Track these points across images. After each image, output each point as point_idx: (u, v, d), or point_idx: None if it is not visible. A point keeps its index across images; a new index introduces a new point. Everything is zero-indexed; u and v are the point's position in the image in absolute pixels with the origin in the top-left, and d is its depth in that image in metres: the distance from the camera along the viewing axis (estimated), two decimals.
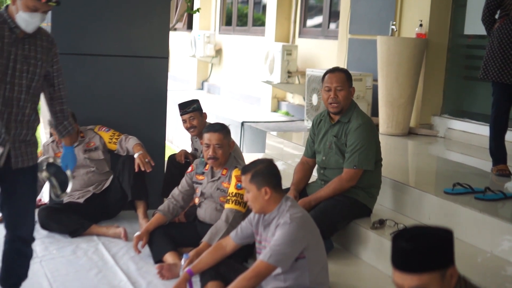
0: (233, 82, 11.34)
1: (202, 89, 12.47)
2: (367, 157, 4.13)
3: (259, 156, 6.72)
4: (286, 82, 8.92)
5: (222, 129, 4.18)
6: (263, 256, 3.20)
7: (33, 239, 3.37)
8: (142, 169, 4.70)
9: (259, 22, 11.00)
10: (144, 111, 5.30)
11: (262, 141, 7.42)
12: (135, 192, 4.80)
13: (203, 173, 4.29)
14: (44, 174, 3.74)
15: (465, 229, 3.93)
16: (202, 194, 4.25)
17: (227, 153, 4.20)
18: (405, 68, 6.48)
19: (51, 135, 4.97)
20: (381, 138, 4.38)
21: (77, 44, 5.05)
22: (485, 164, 5.13)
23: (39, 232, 4.50)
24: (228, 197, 4.04)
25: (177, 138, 9.95)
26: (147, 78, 5.29)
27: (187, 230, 4.33)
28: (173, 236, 4.22)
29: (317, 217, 3.72)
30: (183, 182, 4.37)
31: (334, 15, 8.90)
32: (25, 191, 3.26)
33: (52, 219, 4.62)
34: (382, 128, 6.61)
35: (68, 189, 3.70)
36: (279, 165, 5.19)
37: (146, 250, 4.23)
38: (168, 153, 5.44)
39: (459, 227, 3.90)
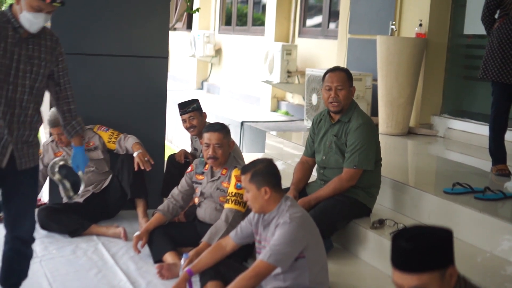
0: (232, 82, 11.34)
1: (201, 89, 12.47)
2: (367, 157, 4.13)
3: (259, 156, 6.73)
4: (285, 82, 8.92)
5: (222, 129, 4.18)
6: (262, 255, 3.20)
7: (33, 240, 3.36)
8: (142, 167, 4.70)
9: (259, 22, 11.00)
10: (143, 110, 5.30)
11: (261, 141, 7.42)
12: (134, 191, 4.80)
13: (202, 173, 4.29)
14: (56, 177, 3.71)
15: (465, 229, 3.93)
16: (201, 194, 4.25)
17: (227, 152, 4.20)
18: (405, 67, 6.48)
19: (50, 134, 4.97)
20: (380, 137, 4.38)
21: (77, 44, 5.05)
22: (485, 163, 5.13)
23: (39, 232, 4.50)
24: (228, 197, 4.04)
25: (177, 138, 9.94)
26: (146, 78, 5.29)
27: (187, 230, 4.33)
28: (173, 236, 4.22)
29: (317, 217, 3.72)
30: (183, 182, 4.37)
31: (333, 15, 8.90)
32: (26, 192, 3.25)
33: (51, 219, 4.62)
34: (381, 128, 6.61)
35: (81, 190, 3.68)
36: (279, 164, 5.19)
37: (146, 250, 4.23)
38: (167, 153, 5.44)
39: (459, 227, 3.89)
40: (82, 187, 3.68)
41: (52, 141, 4.94)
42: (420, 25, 6.60)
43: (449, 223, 3.79)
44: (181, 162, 5.05)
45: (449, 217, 4.08)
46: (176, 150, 5.55)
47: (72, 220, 4.64)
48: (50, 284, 3.82)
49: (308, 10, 9.64)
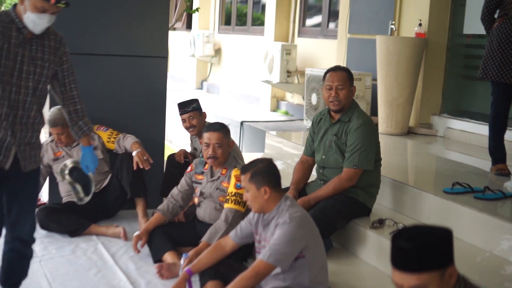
0: (232, 81, 11.34)
1: (201, 88, 12.47)
2: (367, 157, 4.13)
3: (259, 155, 6.73)
4: (285, 82, 8.92)
5: (221, 129, 4.18)
6: (262, 255, 3.20)
7: (33, 240, 3.36)
8: (141, 166, 4.69)
9: (258, 21, 11.00)
10: (143, 110, 5.30)
11: (261, 140, 7.42)
12: (134, 190, 4.80)
13: (202, 173, 4.29)
14: (67, 180, 3.66)
15: (464, 228, 3.93)
16: (201, 193, 4.25)
17: (226, 152, 4.20)
18: (404, 67, 6.48)
19: (50, 134, 4.97)
20: (380, 137, 4.38)
21: (76, 44, 5.04)
22: (484, 163, 5.13)
23: (38, 232, 4.49)
24: (228, 197, 4.04)
25: (176, 138, 9.94)
26: (146, 77, 5.29)
27: (187, 229, 4.33)
28: (173, 235, 4.22)
29: (317, 216, 3.73)
30: (183, 181, 4.37)
31: (333, 15, 8.90)
32: (28, 193, 3.24)
33: (51, 219, 4.62)
34: (381, 128, 6.61)
35: (92, 192, 3.63)
36: (279, 164, 5.18)
37: (146, 249, 4.23)
38: (167, 153, 5.44)
39: (458, 227, 3.90)
40: (93, 188, 3.63)
41: (52, 141, 4.94)
42: (420, 24, 6.60)
43: (448, 223, 3.79)
44: (180, 162, 5.05)
45: (449, 217, 4.08)
46: (176, 150, 5.55)
47: (71, 220, 4.64)
48: (50, 284, 3.82)
49: (308, 10, 9.64)
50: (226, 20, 12.14)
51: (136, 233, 4.25)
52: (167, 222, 4.31)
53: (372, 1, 7.40)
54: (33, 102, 3.13)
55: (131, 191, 4.79)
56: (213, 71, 12.25)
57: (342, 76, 4.22)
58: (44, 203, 5.09)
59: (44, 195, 5.24)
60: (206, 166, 4.28)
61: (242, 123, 8.38)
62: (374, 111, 6.89)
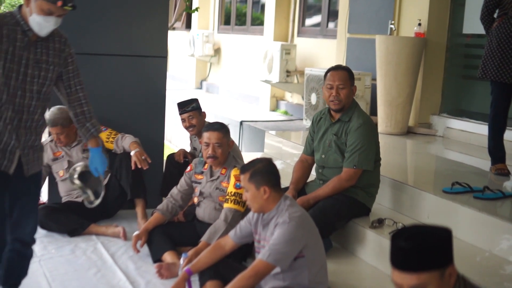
0: (231, 81, 11.34)
1: (200, 88, 12.47)
2: (367, 157, 4.13)
3: (258, 155, 6.73)
4: (284, 82, 8.92)
5: (221, 128, 4.18)
6: (262, 255, 3.20)
7: (34, 241, 3.34)
8: (139, 166, 4.69)
9: (258, 21, 11.00)
10: (143, 110, 5.29)
11: (261, 140, 7.42)
12: (134, 191, 4.80)
13: (202, 173, 4.29)
14: (77, 185, 3.59)
15: (464, 228, 3.94)
16: (201, 193, 4.25)
17: (226, 152, 4.20)
18: (404, 67, 6.48)
19: (49, 134, 4.97)
20: (380, 137, 4.38)
21: (75, 43, 4.96)
22: (484, 163, 5.13)
23: (38, 232, 4.44)
24: (227, 197, 4.04)
25: (176, 138, 9.94)
26: (145, 77, 5.28)
27: (186, 229, 4.33)
28: (172, 235, 4.22)
29: (316, 216, 3.73)
30: (182, 181, 4.36)
31: (332, 14, 8.90)
32: (29, 196, 3.22)
33: (51, 219, 4.61)
34: (381, 127, 6.60)
35: (102, 194, 3.56)
36: (278, 164, 5.19)
37: (145, 249, 4.23)
38: (167, 153, 5.44)
39: (458, 226, 3.90)
40: (103, 191, 3.57)
41: (51, 140, 4.93)
42: (419, 24, 6.60)
43: (448, 223, 3.79)
44: (180, 162, 5.05)
45: (448, 217, 4.08)
46: (175, 150, 5.55)
47: (71, 220, 4.64)
48: (49, 283, 3.82)
49: (307, 10, 9.64)
50: (225, 19, 12.14)
51: (136, 232, 4.24)
52: (167, 222, 4.31)
53: (372, 1, 7.41)
54: (37, 106, 3.10)
55: (131, 192, 4.79)
56: (213, 71, 12.25)
57: (343, 75, 4.21)
58: (44, 203, 5.08)
59: (43, 195, 5.24)
60: (206, 166, 4.28)
61: (241, 122, 8.38)
62: (373, 110, 6.89)
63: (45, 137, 5.04)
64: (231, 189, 4.05)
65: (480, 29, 5.06)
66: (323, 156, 4.31)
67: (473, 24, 6.15)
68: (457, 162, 5.65)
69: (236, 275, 3.21)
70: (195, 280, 3.56)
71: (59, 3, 2.96)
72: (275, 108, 9.77)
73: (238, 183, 3.95)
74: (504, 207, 4.11)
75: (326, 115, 4.35)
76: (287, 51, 8.85)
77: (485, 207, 3.98)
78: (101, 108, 5.14)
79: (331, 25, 8.94)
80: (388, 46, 6.52)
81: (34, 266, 3.89)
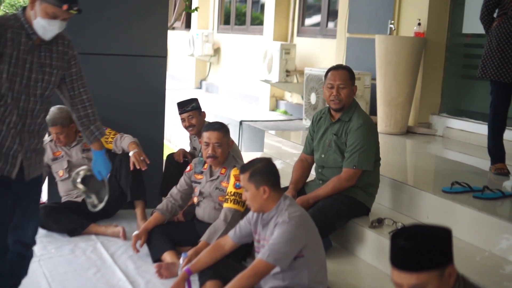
0: (231, 81, 11.34)
1: (200, 88, 12.47)
2: (367, 157, 4.13)
3: (258, 155, 6.73)
4: (284, 81, 8.92)
5: (221, 128, 4.18)
6: (261, 255, 3.20)
7: (34, 243, 3.33)
8: (138, 167, 4.68)
9: (257, 21, 11.00)
10: (142, 110, 5.29)
11: (260, 140, 7.42)
12: (133, 192, 4.79)
13: (201, 172, 4.29)
14: (80, 188, 3.54)
15: (464, 227, 3.94)
16: (200, 193, 4.25)
17: (226, 152, 4.20)
18: (403, 67, 6.48)
19: (49, 134, 4.96)
20: (379, 137, 4.38)
21: (75, 43, 4.99)
22: (484, 162, 5.13)
23: (38, 231, 4.49)
24: (227, 196, 4.04)
25: (176, 137, 9.94)
26: (145, 77, 5.28)
27: (186, 229, 4.33)
28: (172, 235, 4.22)
29: (316, 216, 3.73)
30: (182, 181, 4.36)
31: (332, 14, 8.91)
32: (31, 199, 3.20)
33: (50, 218, 4.61)
34: (380, 127, 6.60)
35: (106, 198, 3.52)
36: (278, 164, 5.18)
37: (145, 249, 4.23)
38: (166, 152, 5.43)
39: (458, 226, 3.90)
40: (107, 195, 3.53)
41: (51, 140, 4.93)
42: (419, 24, 6.60)
43: (447, 222, 3.79)
44: (180, 162, 5.04)
45: (448, 216, 4.08)
46: (175, 150, 5.55)
47: (71, 219, 4.64)
48: (49, 283, 3.82)
49: (307, 9, 9.64)
50: (225, 19, 12.14)
51: (135, 232, 4.25)
52: (166, 222, 4.31)
53: (371, 1, 7.41)
54: (41, 110, 3.07)
55: (131, 193, 4.79)
56: (212, 71, 12.25)
57: (344, 75, 4.21)
58: (43, 203, 5.08)
59: (43, 195, 5.23)
60: (205, 166, 4.28)
61: (241, 122, 8.38)
62: (373, 110, 6.89)
63: (45, 137, 5.03)
64: (230, 189, 4.05)
65: (479, 29, 5.06)
66: (322, 155, 4.31)
67: (472, 24, 6.15)
68: (456, 161, 5.65)
69: (236, 275, 3.21)
70: (194, 280, 3.56)
71: (65, 7, 2.92)
72: (274, 107, 9.77)
73: (237, 183, 3.95)
74: (504, 207, 4.11)
75: (326, 114, 4.34)
76: (286, 51, 8.85)
77: (484, 206, 3.98)
78: (101, 107, 5.10)
79: (330, 24, 8.94)
80: (388, 46, 6.52)
81: (33, 265, 3.88)
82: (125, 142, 4.83)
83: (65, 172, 4.86)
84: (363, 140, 4.12)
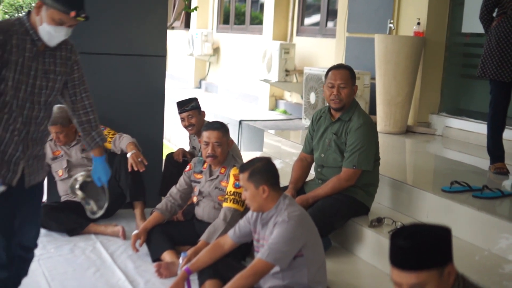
0: (230, 80, 11.34)
1: (199, 87, 12.47)
2: (366, 157, 4.12)
3: (257, 154, 6.73)
4: (284, 81, 8.92)
5: (221, 127, 4.18)
6: (261, 254, 3.20)
7: (36, 246, 3.30)
8: (135, 169, 4.67)
9: (257, 20, 11.00)
10: (141, 109, 5.29)
11: (260, 139, 7.42)
12: (133, 193, 4.79)
13: (201, 172, 4.29)
14: (79, 195, 3.48)
15: (463, 227, 3.94)
16: (200, 192, 4.25)
17: (225, 151, 4.20)
18: (403, 66, 6.48)
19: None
20: (379, 136, 4.38)
21: (75, 43, 5.02)
22: (483, 162, 5.13)
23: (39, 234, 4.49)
24: (226, 196, 4.04)
25: (175, 137, 9.94)
26: (144, 76, 5.28)
27: (185, 228, 4.33)
28: (171, 234, 4.22)
29: (315, 215, 3.73)
30: (181, 180, 4.36)
31: (331, 14, 8.91)
32: (33, 204, 3.17)
33: (50, 218, 4.60)
34: (380, 127, 6.60)
35: (106, 205, 3.46)
36: (277, 163, 5.19)
37: (144, 248, 4.23)
38: (166, 152, 5.43)
39: (457, 225, 3.90)
40: (107, 202, 3.47)
41: (51, 139, 4.93)
42: (418, 23, 6.60)
43: (447, 221, 3.79)
44: (179, 161, 5.04)
45: (447, 215, 4.08)
46: (174, 149, 5.55)
47: (70, 219, 4.63)
48: (48, 283, 3.82)
49: (306, 9, 9.65)
50: (224, 19, 12.14)
51: (135, 232, 4.24)
52: (166, 221, 4.31)
53: (371, 0, 7.41)
54: (44, 117, 3.03)
55: (130, 194, 4.79)
56: (212, 70, 12.25)
57: (344, 74, 4.20)
58: (43, 202, 5.07)
59: None
60: (205, 165, 4.28)
61: (240, 122, 8.38)
62: (372, 110, 6.89)
63: None
64: (230, 188, 4.05)
65: (479, 28, 5.06)
66: (322, 155, 4.31)
67: (472, 23, 6.15)
68: (456, 161, 5.66)
69: (235, 274, 3.21)
70: (194, 279, 3.56)
71: (72, 14, 2.87)
72: (274, 107, 9.77)
73: (237, 182, 3.95)
74: (503, 206, 4.11)
75: (326, 113, 4.34)
76: (286, 50, 8.85)
77: (484, 206, 3.98)
78: (100, 107, 5.10)
79: (330, 24, 8.94)
80: (387, 45, 6.52)
81: (33, 265, 3.85)
82: (123, 143, 4.83)
83: (65, 171, 4.86)
84: (363, 140, 4.12)
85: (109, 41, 5.18)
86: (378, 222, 4.16)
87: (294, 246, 3.19)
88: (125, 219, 4.94)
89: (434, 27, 6.66)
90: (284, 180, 3.98)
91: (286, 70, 8.89)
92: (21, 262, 3.28)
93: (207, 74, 12.39)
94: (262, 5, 10.61)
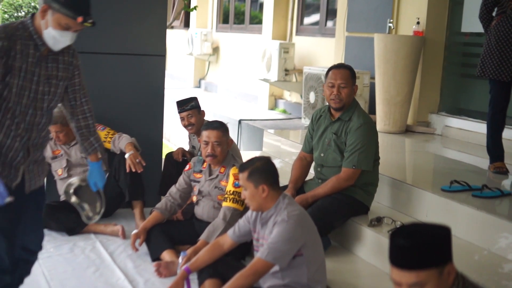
0: (230, 80, 11.34)
1: (199, 87, 12.47)
2: (366, 157, 4.12)
3: (257, 154, 6.73)
4: (283, 80, 8.92)
5: (220, 127, 4.19)
6: (260, 253, 3.20)
7: (40, 249, 3.27)
8: (133, 170, 4.66)
9: (256, 20, 11.00)
10: (141, 109, 5.29)
11: (259, 139, 7.42)
12: (132, 193, 4.79)
13: (200, 171, 4.29)
14: (73, 200, 3.43)
15: (463, 226, 3.94)
16: (199, 192, 4.25)
17: (225, 150, 4.20)
18: (402, 65, 6.48)
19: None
20: (378, 136, 4.38)
21: (74, 43, 5.03)
22: (482, 161, 5.13)
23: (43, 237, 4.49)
24: (226, 195, 4.04)
25: (175, 136, 9.94)
26: (144, 76, 5.28)
27: (185, 228, 4.33)
28: (171, 234, 4.22)
29: (315, 215, 3.73)
30: (181, 180, 4.36)
31: (331, 13, 8.91)
32: (35, 207, 3.15)
33: (49, 217, 4.60)
34: (379, 126, 6.60)
35: (102, 210, 3.42)
36: (277, 163, 5.19)
37: (144, 248, 4.23)
38: (165, 151, 5.43)
39: (457, 225, 3.90)
40: (103, 207, 3.42)
41: (51, 138, 4.92)
42: (418, 23, 6.60)
43: (446, 221, 3.80)
44: (178, 160, 5.04)
45: (447, 215, 4.08)
46: (174, 148, 5.55)
47: (69, 218, 4.63)
48: (48, 282, 3.82)
49: (306, 8, 9.64)
50: (224, 18, 12.14)
51: (134, 231, 4.25)
52: (165, 221, 4.31)
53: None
54: (46, 123, 3.01)
55: (129, 194, 4.79)
56: (211, 70, 12.25)
57: (345, 74, 4.20)
58: None
59: None
60: (205, 165, 4.28)
61: (240, 121, 8.38)
62: (372, 109, 6.89)
63: None
64: (230, 187, 4.05)
65: (478, 28, 5.06)
66: (322, 154, 4.30)
67: (471, 23, 6.15)
68: (455, 160, 5.66)
69: (235, 273, 3.21)
70: (193, 279, 3.57)
71: (80, 19, 2.81)
72: (273, 106, 9.77)
73: (237, 182, 3.96)
74: (503, 206, 4.11)
75: (326, 113, 4.34)
76: (285, 50, 8.85)
77: (483, 205, 3.98)
78: (100, 107, 5.14)
79: (329, 23, 8.94)
80: (387, 45, 6.52)
81: None
82: (122, 143, 4.83)
83: (64, 171, 4.86)
84: (363, 140, 4.11)
85: (109, 41, 5.18)
86: (377, 222, 4.16)
87: (293, 245, 3.19)
88: (124, 218, 4.94)
89: (434, 27, 6.66)
90: (284, 179, 3.98)
91: (286, 70, 8.89)
92: (24, 264, 3.26)
93: (207, 73, 12.39)
94: (261, 5, 10.61)
